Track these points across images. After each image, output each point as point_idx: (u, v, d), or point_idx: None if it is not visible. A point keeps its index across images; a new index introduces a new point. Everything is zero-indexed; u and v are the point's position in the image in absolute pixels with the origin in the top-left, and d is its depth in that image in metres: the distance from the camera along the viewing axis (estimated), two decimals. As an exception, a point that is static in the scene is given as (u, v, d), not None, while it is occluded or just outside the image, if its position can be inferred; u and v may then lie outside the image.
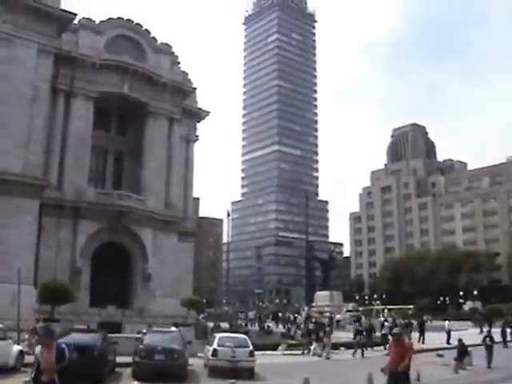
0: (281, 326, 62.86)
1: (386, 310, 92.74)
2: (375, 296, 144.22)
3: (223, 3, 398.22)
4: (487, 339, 31.36)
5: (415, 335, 44.66)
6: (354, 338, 38.03)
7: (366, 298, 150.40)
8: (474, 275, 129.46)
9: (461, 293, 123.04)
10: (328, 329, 38.72)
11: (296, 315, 71.58)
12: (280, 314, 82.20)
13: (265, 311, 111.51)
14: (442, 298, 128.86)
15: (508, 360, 32.38)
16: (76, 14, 49.93)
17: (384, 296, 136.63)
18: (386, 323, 47.23)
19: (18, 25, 45.86)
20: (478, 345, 33.85)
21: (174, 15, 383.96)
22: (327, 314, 64.78)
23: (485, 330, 45.70)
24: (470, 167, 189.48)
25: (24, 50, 45.79)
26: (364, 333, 39.20)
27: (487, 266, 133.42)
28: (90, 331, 25.02)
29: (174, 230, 57.08)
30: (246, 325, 64.05)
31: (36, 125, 45.68)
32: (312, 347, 36.64)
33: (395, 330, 17.20)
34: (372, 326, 44.48)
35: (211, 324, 51.99)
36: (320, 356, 35.03)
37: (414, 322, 50.54)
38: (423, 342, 44.45)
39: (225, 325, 55.59)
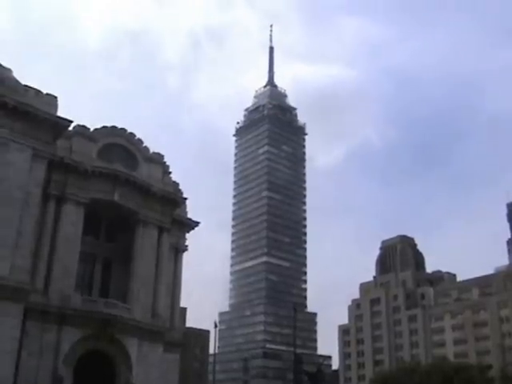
0: None
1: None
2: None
3: (214, 115, 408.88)
4: None
5: None
6: None
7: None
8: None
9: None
10: None
11: None
12: None
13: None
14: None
15: None
16: (72, 121, 51.08)
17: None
18: None
19: (14, 129, 46.75)
20: None
21: (164, 124, 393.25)
22: None
23: None
24: (459, 278, 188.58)
25: (18, 154, 46.48)
26: None
27: (480, 379, 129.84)
28: None
29: (159, 340, 55.94)
30: None
31: (25, 229, 45.78)
32: None
33: None
34: None
35: None
36: None
37: None
38: None
39: None
